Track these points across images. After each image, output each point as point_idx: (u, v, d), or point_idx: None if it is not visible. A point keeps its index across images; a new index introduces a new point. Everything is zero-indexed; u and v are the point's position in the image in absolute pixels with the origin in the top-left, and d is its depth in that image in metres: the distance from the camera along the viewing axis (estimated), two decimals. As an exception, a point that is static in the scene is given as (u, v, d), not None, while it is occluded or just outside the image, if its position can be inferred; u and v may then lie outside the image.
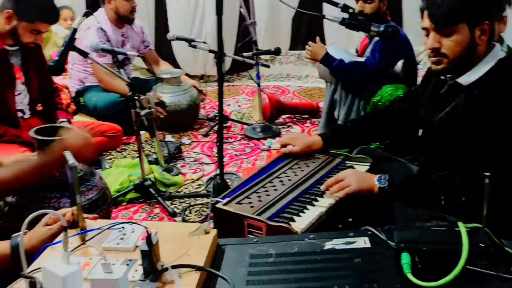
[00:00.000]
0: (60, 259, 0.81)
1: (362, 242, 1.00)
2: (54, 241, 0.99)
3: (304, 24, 4.34)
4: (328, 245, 1.01)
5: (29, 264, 0.88)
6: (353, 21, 1.67)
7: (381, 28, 1.73)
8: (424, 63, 3.84)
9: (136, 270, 0.90)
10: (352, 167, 1.67)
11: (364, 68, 2.57)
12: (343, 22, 1.65)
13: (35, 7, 2.10)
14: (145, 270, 0.87)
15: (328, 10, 3.71)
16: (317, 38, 2.75)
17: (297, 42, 4.41)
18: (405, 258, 0.89)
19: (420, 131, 1.55)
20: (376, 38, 2.58)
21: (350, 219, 1.50)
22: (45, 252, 0.95)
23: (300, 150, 1.70)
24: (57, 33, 3.87)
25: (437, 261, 0.90)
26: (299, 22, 4.32)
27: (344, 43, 3.70)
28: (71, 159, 0.94)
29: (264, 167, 1.68)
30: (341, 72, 2.61)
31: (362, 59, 2.67)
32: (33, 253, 0.92)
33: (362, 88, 2.60)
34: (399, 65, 2.60)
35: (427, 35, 1.35)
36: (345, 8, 1.89)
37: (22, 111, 2.34)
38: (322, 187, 1.48)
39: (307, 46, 2.70)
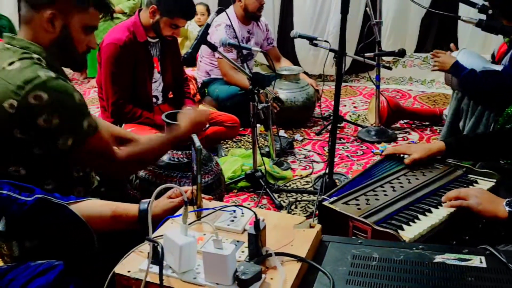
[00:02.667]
0: (179, 230, 0.91)
1: (478, 261, 0.93)
2: (175, 214, 1.10)
3: (434, 26, 4.07)
4: (438, 259, 0.95)
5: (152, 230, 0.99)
6: (491, 23, 1.52)
7: (525, 32, 1.55)
8: None
9: (243, 251, 0.96)
10: (475, 182, 1.54)
11: (499, 79, 2.29)
12: (480, 24, 1.52)
13: (175, 4, 2.32)
14: (250, 252, 0.92)
15: (463, 11, 3.44)
16: (452, 45, 2.55)
17: (424, 45, 4.16)
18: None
19: None
20: None
21: (466, 237, 1.39)
22: (166, 222, 1.06)
23: (420, 156, 1.61)
24: (192, 31, 4.22)
25: None
26: (429, 23, 4.06)
27: (479, 49, 3.39)
28: (197, 142, 1.04)
29: (371, 167, 1.65)
30: (471, 82, 2.35)
31: (498, 67, 2.40)
32: (155, 220, 1.03)
33: (494, 100, 2.34)
34: None
35: None
36: (483, 9, 1.73)
37: (156, 97, 2.61)
38: (443, 198, 1.40)
39: (432, 54, 2.53)
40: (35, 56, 1.27)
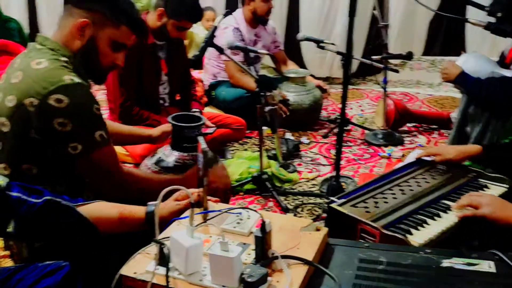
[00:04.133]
0: (185, 232, 0.90)
1: (486, 266, 0.92)
2: (181, 216, 1.10)
3: (442, 29, 4.05)
4: (446, 263, 0.94)
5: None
6: (501, 26, 1.51)
7: (535, 35, 1.53)
8: None
9: (249, 254, 0.95)
10: (486, 186, 1.52)
11: (508, 86, 2.26)
12: (488, 26, 1.50)
13: (183, 6, 2.33)
14: (257, 255, 0.92)
15: (472, 14, 3.42)
16: (462, 52, 2.53)
17: (432, 48, 4.14)
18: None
19: None
20: None
21: (476, 243, 1.37)
22: (173, 224, 1.06)
23: (454, 157, 1.59)
24: (198, 34, 4.24)
25: None
26: (437, 26, 4.05)
27: (488, 52, 3.37)
28: (203, 144, 1.04)
29: (385, 175, 1.63)
30: (477, 93, 2.33)
31: (507, 72, 2.36)
32: (162, 222, 1.03)
33: (502, 107, 2.30)
34: None
35: None
36: (492, 11, 1.72)
37: (163, 99, 2.62)
38: (454, 206, 1.38)
39: (440, 67, 2.52)
40: (63, 59, 1.29)
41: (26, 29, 4.31)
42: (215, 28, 2.08)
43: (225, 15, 2.13)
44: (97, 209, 1.15)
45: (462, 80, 2.39)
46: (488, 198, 1.32)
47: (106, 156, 1.30)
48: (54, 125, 1.20)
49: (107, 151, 1.30)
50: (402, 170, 1.64)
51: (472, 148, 1.63)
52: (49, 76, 1.21)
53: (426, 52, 4.18)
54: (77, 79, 1.25)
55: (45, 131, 1.21)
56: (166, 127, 1.87)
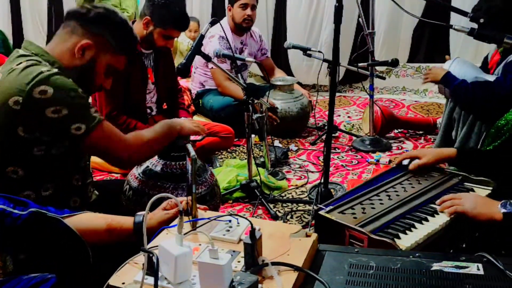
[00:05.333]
0: (174, 240, 0.90)
1: (475, 268, 0.92)
2: (170, 225, 1.09)
3: (426, 36, 4.12)
4: (436, 267, 0.95)
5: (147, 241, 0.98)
6: (483, 31, 1.54)
7: (517, 40, 1.57)
8: None
9: (239, 261, 0.95)
10: (472, 190, 1.54)
11: (491, 91, 2.26)
12: (472, 32, 1.53)
13: (169, 15, 2.33)
14: (246, 262, 0.91)
15: (455, 20, 3.48)
16: (447, 56, 2.58)
17: (416, 55, 4.21)
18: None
19: None
20: (511, 58, 2.31)
21: (463, 245, 1.39)
22: (162, 233, 1.05)
23: (429, 160, 1.61)
24: (182, 42, 4.24)
25: None
26: (421, 34, 4.12)
27: (471, 58, 3.43)
28: (192, 151, 1.03)
29: (372, 180, 1.64)
30: (462, 94, 2.36)
31: (490, 77, 2.41)
32: (150, 232, 1.03)
33: (485, 110, 2.34)
34: None
35: None
36: (474, 17, 1.75)
37: (150, 108, 2.61)
38: (438, 201, 1.40)
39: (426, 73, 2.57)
40: (45, 63, 1.30)
41: (10, 40, 4.28)
42: (202, 36, 2.08)
43: (212, 23, 2.13)
44: (84, 220, 1.14)
45: (447, 81, 2.43)
46: (470, 195, 1.34)
47: (108, 127, 1.35)
48: (48, 115, 1.22)
49: (106, 123, 1.35)
50: (385, 176, 1.65)
51: (447, 151, 1.66)
52: (27, 73, 1.23)
53: (411, 59, 4.24)
54: (55, 70, 1.27)
55: (39, 124, 1.22)
56: None
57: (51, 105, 1.21)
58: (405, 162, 1.71)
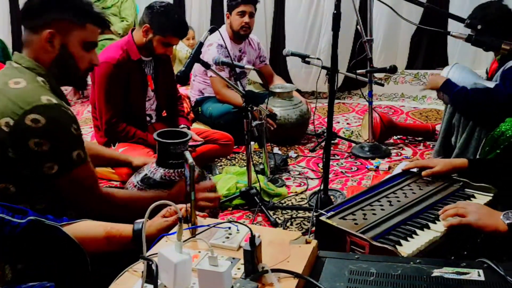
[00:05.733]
0: (173, 248, 0.89)
1: (476, 275, 0.92)
2: (169, 232, 1.08)
3: (424, 42, 4.14)
4: (436, 273, 0.94)
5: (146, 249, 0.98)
6: (480, 38, 1.55)
7: (514, 46, 1.58)
8: None
9: (239, 269, 0.94)
10: (472, 196, 1.54)
11: (490, 97, 2.27)
12: (469, 39, 1.54)
13: (168, 22, 2.34)
14: (246, 269, 0.91)
15: (453, 27, 3.50)
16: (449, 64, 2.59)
17: (415, 62, 4.22)
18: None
19: None
20: (509, 65, 2.32)
21: (465, 252, 1.38)
22: (161, 241, 1.04)
23: (441, 169, 1.61)
24: (180, 50, 4.26)
25: None
26: (419, 40, 4.13)
27: (469, 64, 3.44)
28: (190, 159, 1.03)
29: (374, 186, 1.63)
30: (462, 100, 2.37)
31: (490, 84, 2.42)
32: (150, 239, 1.02)
33: (485, 117, 2.35)
34: None
35: None
36: (472, 24, 1.76)
37: (150, 115, 2.61)
38: (441, 212, 1.39)
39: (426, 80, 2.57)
40: (40, 79, 1.28)
41: (10, 48, 4.29)
42: (201, 44, 2.09)
43: (210, 31, 2.14)
44: (83, 228, 1.13)
45: (446, 87, 2.44)
46: (474, 206, 1.33)
47: (83, 175, 1.30)
48: (30, 145, 1.19)
49: (85, 169, 1.30)
50: (389, 182, 1.65)
51: (458, 161, 1.66)
52: (26, 96, 1.20)
53: (409, 66, 4.25)
54: (54, 100, 1.24)
55: (20, 150, 1.20)
56: (148, 158, 1.87)
57: (37, 137, 1.18)
58: (415, 170, 1.70)
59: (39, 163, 1.22)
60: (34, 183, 1.26)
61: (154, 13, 2.35)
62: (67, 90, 4.63)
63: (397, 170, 2.38)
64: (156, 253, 0.92)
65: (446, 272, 0.94)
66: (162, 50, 2.40)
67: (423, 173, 1.65)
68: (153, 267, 0.85)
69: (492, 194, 1.53)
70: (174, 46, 2.54)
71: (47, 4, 1.31)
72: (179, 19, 2.38)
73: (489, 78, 2.57)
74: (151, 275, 0.87)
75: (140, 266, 0.93)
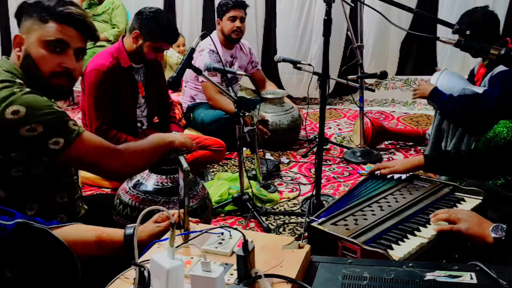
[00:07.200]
0: (166, 254, 0.88)
1: (468, 278, 0.92)
2: (162, 238, 1.07)
3: (413, 49, 4.18)
4: (429, 276, 0.94)
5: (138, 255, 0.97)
6: (469, 43, 1.57)
7: (502, 51, 1.59)
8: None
9: (232, 274, 0.94)
10: (462, 199, 1.55)
11: (478, 103, 2.29)
12: (458, 44, 1.56)
13: (158, 28, 2.34)
14: (239, 275, 0.90)
15: (442, 33, 3.54)
16: (436, 68, 2.63)
17: (405, 67, 4.26)
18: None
19: None
20: (496, 71, 2.36)
21: (456, 255, 1.39)
22: (153, 247, 1.04)
23: (399, 168, 1.66)
24: (171, 56, 4.25)
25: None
26: (409, 47, 4.18)
27: (458, 69, 3.49)
28: (184, 164, 1.03)
29: (356, 186, 1.67)
30: (450, 109, 2.39)
31: (478, 89, 2.45)
32: (141, 245, 1.01)
33: (473, 124, 2.37)
34: None
35: None
36: (460, 29, 1.79)
37: (141, 122, 2.60)
38: (431, 216, 1.40)
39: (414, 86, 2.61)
40: (18, 81, 1.26)
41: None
42: (193, 49, 2.09)
43: (202, 37, 2.14)
44: (73, 232, 1.12)
45: (435, 97, 2.47)
46: (466, 214, 1.34)
47: (90, 138, 1.30)
48: (22, 133, 1.18)
49: (87, 134, 1.30)
50: (365, 184, 1.70)
51: (415, 159, 1.71)
52: (1, 94, 1.19)
53: (400, 72, 4.29)
54: (26, 88, 1.23)
55: (14, 145, 1.19)
56: None
57: (25, 124, 1.18)
58: (378, 172, 1.75)
59: (42, 144, 1.21)
60: (24, 186, 1.25)
61: (144, 19, 2.34)
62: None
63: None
64: (148, 260, 0.91)
65: (439, 275, 0.94)
66: (152, 56, 2.39)
67: (382, 171, 1.70)
68: (145, 273, 0.84)
69: (481, 198, 1.54)
70: (165, 52, 2.53)
71: (20, 7, 1.31)
72: (169, 24, 2.38)
73: (475, 82, 2.60)
74: (143, 282, 0.86)
75: (132, 272, 0.92)
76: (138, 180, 1.75)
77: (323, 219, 1.41)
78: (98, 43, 4.28)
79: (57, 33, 1.28)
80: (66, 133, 1.25)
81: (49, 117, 1.22)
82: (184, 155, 1.33)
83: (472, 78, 2.70)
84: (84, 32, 1.34)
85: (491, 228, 1.26)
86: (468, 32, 1.73)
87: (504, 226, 1.25)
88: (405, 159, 1.75)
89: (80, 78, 2.39)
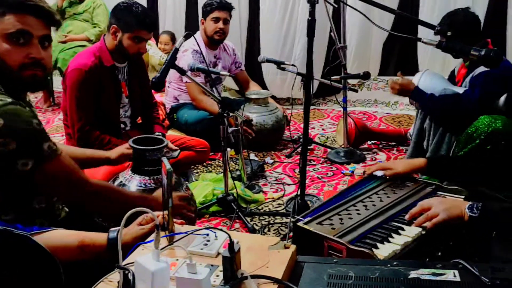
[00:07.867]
0: (150, 256, 0.87)
1: (451, 275, 0.94)
2: (146, 240, 1.06)
3: (395, 50, 4.24)
4: (413, 274, 0.96)
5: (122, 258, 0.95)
6: (450, 44, 1.60)
7: (482, 52, 1.63)
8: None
9: (217, 276, 0.93)
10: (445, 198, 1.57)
11: (459, 103, 2.35)
12: (440, 45, 1.58)
13: (132, 16, 2.30)
14: (225, 276, 0.90)
15: (423, 34, 3.59)
16: (398, 73, 2.66)
17: (387, 68, 4.31)
18: (501, 297, 0.82)
19: None
20: (477, 72, 2.41)
21: (439, 253, 1.41)
22: (137, 249, 1.02)
23: (402, 170, 1.68)
24: (154, 56, 4.21)
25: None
26: (391, 47, 4.23)
27: (439, 70, 3.54)
28: (167, 165, 1.02)
29: (347, 189, 1.66)
30: (431, 108, 2.44)
31: (459, 89, 2.50)
32: (125, 248, 0.99)
33: (454, 122, 2.42)
34: (502, 99, 2.38)
35: None
36: (442, 30, 1.82)
37: (124, 123, 2.56)
38: (407, 217, 1.42)
39: (395, 79, 2.62)
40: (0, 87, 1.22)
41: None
42: (176, 50, 2.07)
43: (186, 37, 2.13)
44: (55, 237, 1.10)
45: (416, 96, 2.50)
46: (436, 200, 1.39)
47: (62, 165, 1.25)
48: None
49: (60, 160, 1.25)
50: (361, 185, 1.68)
51: (417, 161, 1.73)
52: None
53: (382, 72, 4.34)
54: (9, 99, 1.18)
55: None
56: (124, 149, 1.82)
57: (0, 137, 1.13)
58: (379, 173, 1.74)
59: (11, 162, 1.16)
60: (0, 192, 1.21)
61: (118, 11, 2.32)
62: (37, 97, 4.52)
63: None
64: (133, 262, 0.90)
65: (423, 273, 0.95)
66: (135, 49, 2.35)
67: (386, 173, 1.71)
68: (130, 276, 0.83)
69: (463, 196, 1.57)
70: (148, 51, 2.49)
71: None
72: (142, 10, 2.34)
73: (456, 83, 2.64)
74: (127, 285, 0.84)
75: (116, 276, 0.91)
76: (121, 181, 1.73)
77: (309, 218, 1.41)
78: (79, 43, 4.22)
79: (17, 24, 1.23)
80: (37, 156, 1.19)
81: (25, 134, 1.17)
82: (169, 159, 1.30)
83: (452, 78, 2.74)
84: (44, 18, 1.28)
85: (467, 207, 1.31)
86: (449, 33, 1.76)
87: (479, 204, 1.30)
88: (407, 160, 1.75)
89: (62, 78, 2.35)
